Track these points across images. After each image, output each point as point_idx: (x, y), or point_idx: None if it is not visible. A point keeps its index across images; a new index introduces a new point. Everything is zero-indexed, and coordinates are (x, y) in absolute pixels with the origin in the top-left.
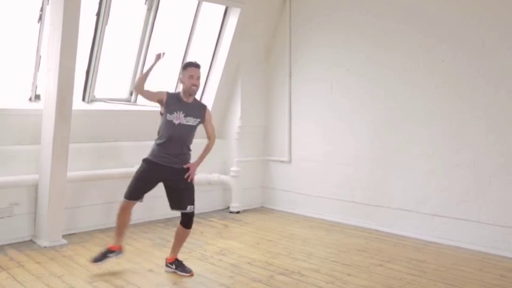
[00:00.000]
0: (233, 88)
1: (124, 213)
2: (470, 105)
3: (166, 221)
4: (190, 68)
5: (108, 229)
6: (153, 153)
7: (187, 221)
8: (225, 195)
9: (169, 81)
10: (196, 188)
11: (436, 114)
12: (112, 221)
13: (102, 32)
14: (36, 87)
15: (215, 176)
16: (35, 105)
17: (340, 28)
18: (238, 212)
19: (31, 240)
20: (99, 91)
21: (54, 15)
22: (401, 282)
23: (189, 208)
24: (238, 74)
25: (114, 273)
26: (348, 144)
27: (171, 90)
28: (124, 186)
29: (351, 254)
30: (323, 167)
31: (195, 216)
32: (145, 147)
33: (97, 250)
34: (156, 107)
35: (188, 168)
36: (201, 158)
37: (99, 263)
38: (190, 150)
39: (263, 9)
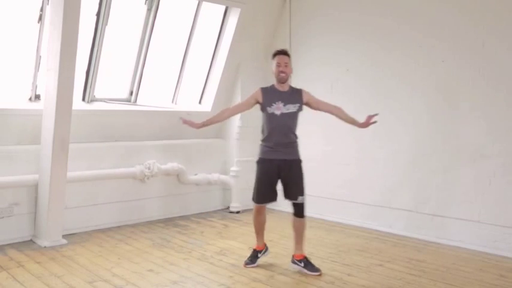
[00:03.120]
0: (233, 88)
1: (258, 216)
2: (470, 105)
3: (166, 221)
4: (277, 56)
5: (108, 229)
6: (263, 150)
7: (298, 211)
8: (225, 195)
9: (169, 81)
10: (196, 188)
11: (436, 114)
12: (112, 221)
13: (102, 32)
14: (36, 87)
15: (215, 176)
16: (35, 105)
17: (340, 28)
18: (238, 212)
19: (31, 240)
20: (99, 91)
21: (54, 15)
22: (401, 282)
23: (299, 199)
24: (238, 74)
25: (114, 273)
26: (348, 144)
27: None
28: (124, 186)
29: (351, 254)
30: (323, 167)
31: (195, 216)
32: (145, 147)
33: (97, 250)
34: (157, 107)
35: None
36: (353, 119)
37: (252, 265)
38: (297, 137)
39: (263, 9)
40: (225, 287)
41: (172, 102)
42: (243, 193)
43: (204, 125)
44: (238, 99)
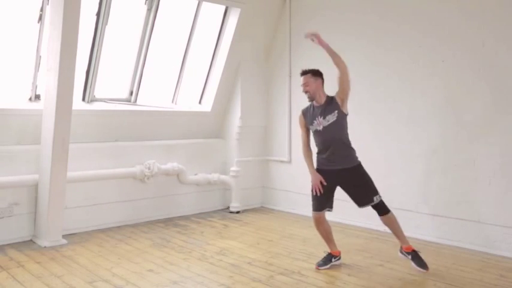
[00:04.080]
0: (233, 88)
1: (320, 224)
2: (470, 105)
3: (166, 221)
4: (300, 77)
5: (108, 229)
6: (319, 161)
7: (381, 209)
8: (225, 195)
9: (169, 81)
10: (196, 188)
11: (436, 114)
12: (112, 221)
13: (102, 32)
14: (36, 87)
15: (215, 176)
16: (35, 105)
17: (340, 28)
18: (238, 212)
19: (31, 240)
20: (99, 91)
21: (54, 15)
22: (401, 282)
23: (375, 199)
24: (238, 74)
25: (114, 273)
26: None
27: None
28: (124, 186)
29: (351, 254)
30: None
31: (195, 216)
32: (145, 147)
33: (97, 250)
34: (157, 107)
35: None
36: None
37: (324, 267)
38: (350, 144)
39: (263, 9)
40: (225, 287)
41: (172, 102)
42: (243, 193)
43: (314, 170)
44: (238, 99)
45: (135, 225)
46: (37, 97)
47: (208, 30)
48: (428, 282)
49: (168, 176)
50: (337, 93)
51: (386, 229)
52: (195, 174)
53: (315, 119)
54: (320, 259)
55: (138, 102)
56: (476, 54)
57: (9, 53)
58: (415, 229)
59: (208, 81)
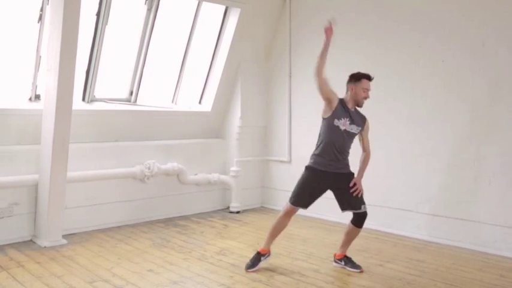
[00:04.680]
0: (233, 88)
1: (286, 218)
2: (470, 105)
3: (166, 221)
4: (365, 80)
5: (108, 229)
6: (317, 160)
7: (360, 221)
8: (225, 195)
9: (169, 81)
10: (196, 188)
11: (436, 114)
12: (112, 221)
13: (102, 32)
14: (36, 87)
15: (215, 176)
16: (35, 105)
17: (340, 28)
18: (238, 212)
19: (31, 240)
20: (99, 91)
21: (54, 15)
22: (401, 282)
23: (362, 207)
24: (238, 74)
25: (114, 273)
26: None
27: None
28: (124, 186)
29: (351, 254)
30: None
31: (195, 216)
32: (145, 147)
33: (97, 250)
34: (157, 107)
35: (353, 182)
36: (362, 171)
37: (254, 269)
38: (348, 155)
39: (263, 9)
40: (225, 287)
41: (172, 102)
42: (243, 193)
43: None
44: (238, 99)
45: (135, 225)
46: (37, 97)
47: (208, 30)
48: (428, 282)
49: (168, 176)
50: (366, 131)
51: (387, 229)
52: (195, 174)
53: (343, 118)
54: (249, 260)
55: (138, 102)
56: (476, 54)
57: (9, 53)
58: (415, 229)
59: (208, 81)
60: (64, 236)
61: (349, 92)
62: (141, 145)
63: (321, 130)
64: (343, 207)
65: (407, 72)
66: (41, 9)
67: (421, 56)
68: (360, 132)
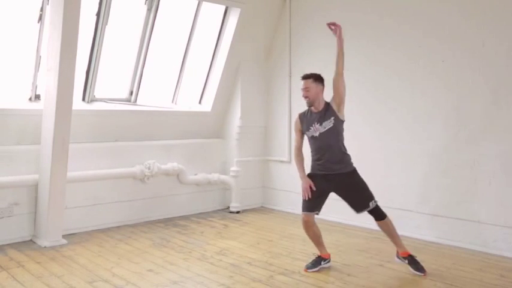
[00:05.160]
0: (233, 88)
1: (309, 227)
2: (470, 105)
3: (166, 221)
4: (301, 81)
5: (108, 229)
6: (314, 167)
7: (377, 214)
8: (225, 195)
9: (169, 81)
10: (196, 188)
11: (436, 114)
12: (112, 221)
13: (102, 32)
14: (36, 87)
15: (215, 176)
16: (35, 105)
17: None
18: (238, 212)
19: (31, 240)
20: (99, 91)
21: (54, 15)
22: (401, 282)
23: (371, 204)
24: (238, 74)
25: (114, 273)
26: (347, 144)
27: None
28: (124, 186)
29: (351, 254)
30: None
31: (195, 216)
32: (145, 147)
33: (97, 250)
34: (157, 107)
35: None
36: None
37: (314, 269)
38: (346, 152)
39: (263, 9)
40: (225, 287)
41: (172, 102)
42: (243, 193)
43: (304, 174)
44: (238, 99)
45: (135, 225)
46: (37, 97)
47: (208, 30)
48: (428, 282)
49: (168, 176)
50: (333, 98)
51: None
52: (195, 174)
53: (312, 125)
54: (309, 261)
55: (138, 102)
56: (476, 54)
57: (9, 53)
58: (415, 229)
59: (208, 81)
60: (64, 236)
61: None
62: (141, 145)
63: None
64: (356, 209)
65: (407, 72)
66: (41, 9)
67: (421, 56)
68: (338, 115)
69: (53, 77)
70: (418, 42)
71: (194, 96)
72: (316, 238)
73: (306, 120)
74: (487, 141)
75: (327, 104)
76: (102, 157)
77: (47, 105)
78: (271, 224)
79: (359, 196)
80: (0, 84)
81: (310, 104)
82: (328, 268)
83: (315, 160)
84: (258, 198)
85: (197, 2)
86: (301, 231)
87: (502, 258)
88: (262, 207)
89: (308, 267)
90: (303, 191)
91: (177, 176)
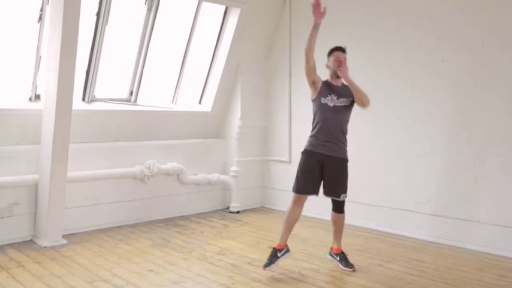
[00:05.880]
0: (233, 88)
1: (294, 207)
2: (470, 105)
3: (167, 221)
4: (335, 52)
5: (108, 229)
6: (311, 143)
7: (339, 207)
8: (225, 195)
9: (169, 81)
10: (196, 188)
11: (436, 114)
12: (112, 221)
13: (102, 32)
14: (36, 87)
15: (215, 176)
16: (35, 105)
17: (340, 28)
18: (238, 212)
19: (31, 240)
20: (99, 91)
21: (54, 15)
22: (401, 282)
23: (342, 197)
24: (238, 74)
25: (114, 273)
26: (347, 143)
27: None
28: (124, 186)
29: (351, 254)
30: None
31: (195, 216)
32: (145, 147)
33: (97, 250)
34: (157, 107)
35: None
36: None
37: (272, 265)
38: (346, 138)
39: (263, 9)
40: (225, 287)
41: (172, 102)
42: (243, 193)
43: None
44: (238, 99)
45: (135, 225)
46: (37, 97)
47: (208, 30)
48: (428, 282)
49: (168, 176)
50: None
51: (387, 229)
52: (195, 174)
53: (329, 95)
54: (266, 259)
55: (138, 102)
56: (476, 54)
57: (9, 53)
58: (415, 229)
59: (208, 81)
60: (64, 236)
61: (328, 70)
62: (141, 145)
63: (313, 113)
64: (326, 192)
65: (408, 73)
66: (41, 9)
67: (421, 56)
68: (353, 104)
69: (53, 77)
70: (418, 42)
71: (194, 96)
72: (291, 220)
73: (326, 87)
74: (487, 141)
75: (346, 86)
76: (102, 157)
77: (47, 105)
78: (271, 224)
79: (338, 184)
80: (0, 84)
81: (338, 76)
82: (329, 268)
83: (318, 135)
84: (258, 198)
85: (197, 2)
86: (301, 231)
87: (502, 258)
88: (262, 207)
89: (266, 265)
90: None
91: (177, 176)
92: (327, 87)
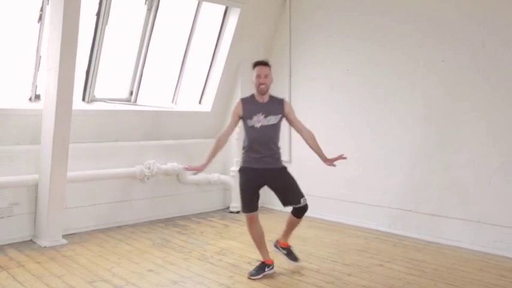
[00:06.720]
0: (233, 88)
1: (252, 227)
2: (470, 105)
3: (166, 221)
4: (257, 67)
5: (108, 229)
6: (246, 159)
7: (300, 212)
8: (225, 195)
9: (169, 81)
10: (196, 188)
11: (436, 114)
12: (112, 221)
13: (102, 32)
14: (36, 87)
15: (215, 176)
16: (35, 105)
17: (340, 28)
18: (238, 212)
19: (31, 240)
20: (99, 91)
21: (54, 15)
22: (401, 282)
23: (302, 201)
24: (238, 74)
25: (114, 273)
26: (348, 144)
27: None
28: (124, 186)
29: (351, 254)
30: (323, 167)
31: (195, 216)
32: (145, 147)
33: (97, 250)
34: (157, 107)
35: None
36: (320, 152)
37: (257, 276)
38: (279, 148)
39: (263, 9)
40: (225, 287)
41: (172, 102)
42: None
43: (208, 162)
44: (238, 99)
45: (135, 225)
46: (37, 97)
47: (208, 30)
48: (429, 282)
49: (168, 176)
50: (290, 112)
51: (387, 229)
52: (195, 174)
53: (255, 115)
54: (253, 269)
55: (138, 102)
56: (476, 54)
57: (9, 53)
58: (415, 229)
59: (208, 81)
60: (64, 236)
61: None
62: (141, 145)
63: (244, 132)
64: (284, 203)
65: (407, 72)
66: (41, 9)
67: (421, 56)
68: (283, 118)
69: (53, 77)
70: (418, 42)
71: (194, 96)
72: (258, 238)
73: (249, 107)
74: (487, 141)
75: (278, 100)
76: (102, 157)
77: (47, 105)
78: (271, 224)
79: (293, 192)
80: (0, 84)
81: (264, 92)
82: (328, 268)
83: (250, 153)
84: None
85: (197, 2)
86: (301, 231)
87: (502, 258)
88: (262, 207)
89: (252, 274)
90: (191, 168)
91: (177, 176)
92: (252, 106)
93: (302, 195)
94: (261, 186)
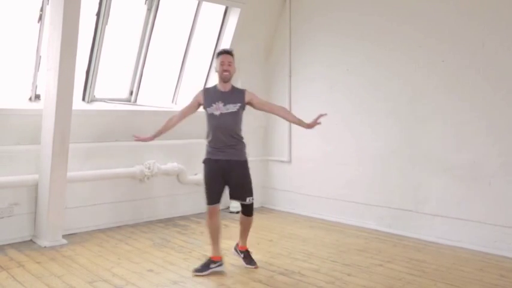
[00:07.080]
0: None
1: (211, 218)
2: (470, 105)
3: (166, 221)
4: (221, 55)
5: (108, 229)
6: (208, 151)
7: (248, 211)
8: (225, 195)
9: (169, 81)
10: (196, 188)
11: (436, 114)
12: (112, 221)
13: (102, 32)
14: (36, 87)
15: None
16: (35, 105)
17: (340, 28)
18: (238, 212)
19: (31, 240)
20: (99, 91)
21: (54, 15)
22: (401, 282)
23: (248, 200)
24: (238, 74)
25: (114, 273)
26: (348, 144)
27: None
28: (124, 186)
29: (351, 254)
30: (323, 167)
31: (195, 216)
32: (145, 147)
33: (97, 250)
34: (157, 107)
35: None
36: (298, 121)
37: (203, 273)
38: (242, 138)
39: (263, 9)
40: (225, 287)
41: (172, 102)
42: None
43: (155, 136)
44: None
45: (135, 225)
46: (37, 97)
47: (208, 30)
48: (429, 282)
49: (168, 176)
50: (253, 97)
51: (387, 229)
52: (195, 174)
53: (214, 103)
54: (199, 265)
55: (138, 102)
56: (476, 54)
57: (9, 53)
58: (415, 229)
59: (209, 82)
60: (64, 236)
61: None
62: (141, 145)
63: (206, 124)
64: (231, 196)
65: (407, 73)
66: (41, 9)
67: (421, 56)
68: (244, 108)
69: (53, 77)
70: (418, 42)
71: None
72: (214, 231)
73: (209, 96)
74: (487, 141)
75: (238, 90)
76: (102, 157)
77: (47, 105)
78: (271, 224)
79: (242, 188)
80: (0, 84)
81: (227, 80)
82: (329, 268)
83: (212, 143)
84: (258, 198)
85: (197, 2)
86: (301, 231)
87: (502, 258)
88: (262, 207)
89: (197, 271)
90: (139, 138)
91: (177, 176)
92: (212, 95)
93: (250, 195)
94: (223, 180)
